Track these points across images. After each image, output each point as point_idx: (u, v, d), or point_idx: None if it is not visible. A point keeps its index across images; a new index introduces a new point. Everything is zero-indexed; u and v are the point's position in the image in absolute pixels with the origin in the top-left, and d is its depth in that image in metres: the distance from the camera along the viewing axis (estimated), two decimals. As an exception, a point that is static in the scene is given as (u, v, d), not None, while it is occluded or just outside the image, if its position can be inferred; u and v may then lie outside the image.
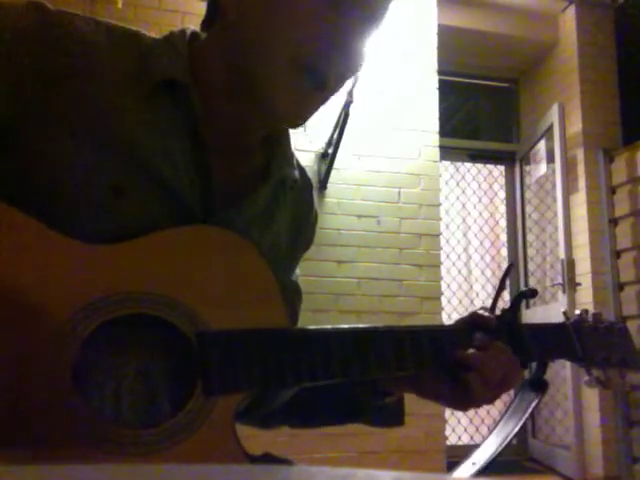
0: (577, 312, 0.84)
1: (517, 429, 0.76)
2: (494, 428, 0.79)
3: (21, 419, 0.54)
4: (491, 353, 0.72)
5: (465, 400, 0.73)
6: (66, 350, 0.56)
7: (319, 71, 0.67)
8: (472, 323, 0.76)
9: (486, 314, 0.76)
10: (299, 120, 0.71)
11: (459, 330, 0.76)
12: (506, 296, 3.63)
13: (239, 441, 0.61)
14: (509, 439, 0.75)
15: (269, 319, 0.65)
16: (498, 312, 0.78)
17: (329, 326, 0.69)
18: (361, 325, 0.71)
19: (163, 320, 0.60)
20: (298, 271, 0.87)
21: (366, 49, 0.70)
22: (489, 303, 0.79)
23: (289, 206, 0.81)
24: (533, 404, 0.78)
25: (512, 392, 0.86)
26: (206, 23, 0.74)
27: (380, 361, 0.69)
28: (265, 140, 0.78)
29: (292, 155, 0.82)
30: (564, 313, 0.84)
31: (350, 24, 0.66)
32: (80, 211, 0.62)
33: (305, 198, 0.86)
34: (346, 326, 0.70)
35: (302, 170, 0.86)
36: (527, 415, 0.77)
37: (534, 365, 0.83)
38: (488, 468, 0.74)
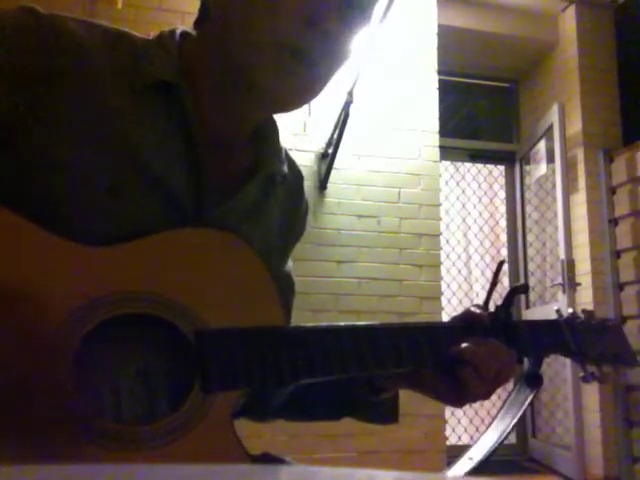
0: (570, 310, 0.85)
1: (513, 424, 0.76)
2: (491, 423, 0.79)
3: (20, 419, 0.55)
4: (485, 348, 0.72)
5: (461, 396, 0.74)
6: (64, 350, 0.56)
7: (303, 51, 0.66)
8: (466, 321, 0.77)
9: (478, 311, 0.77)
10: (291, 102, 0.71)
11: (454, 327, 0.76)
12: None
13: (238, 438, 0.62)
14: (506, 434, 0.76)
15: (266, 318, 0.66)
16: (492, 309, 0.79)
17: (326, 323, 0.69)
18: (358, 323, 0.71)
19: (161, 319, 0.61)
20: (291, 263, 0.88)
21: (356, 26, 0.70)
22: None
23: (279, 200, 0.81)
24: (529, 399, 0.78)
25: (510, 388, 0.86)
26: (197, 22, 0.75)
27: (377, 358, 0.69)
28: (254, 136, 0.78)
29: (281, 149, 0.83)
30: (557, 310, 0.84)
31: (328, 2, 0.66)
32: (76, 212, 0.62)
33: (295, 190, 0.87)
34: (343, 324, 0.70)
35: (292, 163, 0.86)
36: (523, 410, 0.77)
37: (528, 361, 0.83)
38: (485, 463, 0.74)
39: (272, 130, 0.81)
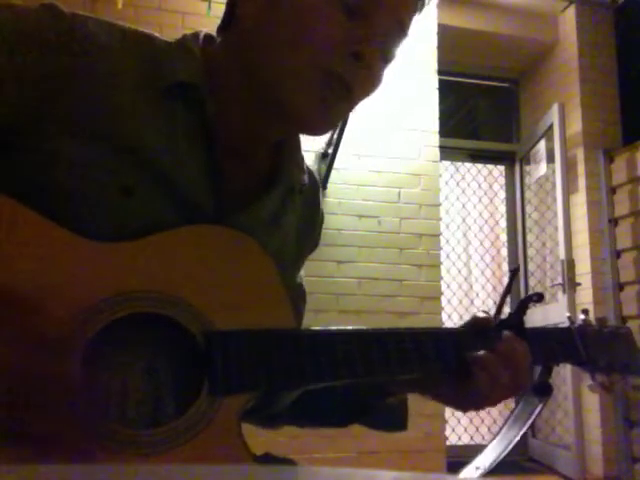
0: (581, 317, 0.84)
1: (521, 434, 0.76)
2: (498, 432, 0.79)
3: (22, 419, 0.54)
4: (499, 355, 0.72)
5: (470, 401, 0.73)
6: (72, 349, 0.56)
7: (342, 79, 0.66)
8: (473, 326, 0.76)
9: (484, 315, 0.76)
10: (322, 129, 0.71)
11: (461, 332, 0.76)
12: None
13: (245, 443, 0.61)
14: (513, 444, 0.75)
15: (276, 320, 0.65)
16: (504, 316, 0.78)
17: (335, 327, 0.69)
18: (367, 327, 0.71)
19: (170, 319, 0.60)
20: (303, 272, 0.87)
21: (392, 59, 0.71)
22: (489, 303, 0.79)
23: (297, 209, 0.81)
24: (537, 409, 0.77)
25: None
26: (222, 27, 0.73)
27: (385, 363, 0.69)
28: (275, 143, 0.78)
29: (302, 159, 0.82)
30: (569, 317, 0.84)
31: (370, 32, 0.66)
32: (88, 211, 0.62)
33: (312, 200, 0.87)
34: (352, 327, 0.70)
35: (310, 172, 0.86)
36: (532, 420, 0.77)
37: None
38: (492, 472, 0.74)
39: (293, 138, 0.81)
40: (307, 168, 0.84)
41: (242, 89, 0.70)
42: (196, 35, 0.73)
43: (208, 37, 0.74)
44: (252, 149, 0.75)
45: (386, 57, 0.70)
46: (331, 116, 0.70)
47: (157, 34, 0.72)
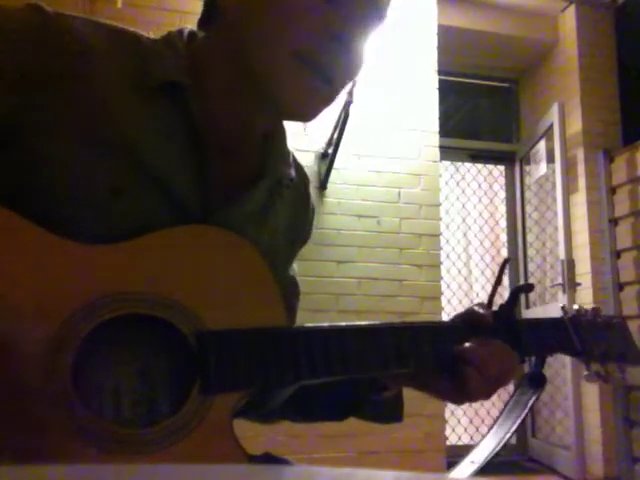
0: (575, 307, 0.84)
1: (516, 425, 0.76)
2: (493, 425, 0.79)
3: (19, 419, 0.54)
4: (488, 349, 0.72)
5: (461, 394, 0.73)
6: (64, 351, 0.56)
7: (322, 65, 0.67)
8: (469, 320, 0.76)
9: (482, 311, 0.76)
10: (306, 115, 0.71)
11: (456, 326, 0.76)
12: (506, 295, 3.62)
13: (237, 441, 0.61)
14: (508, 436, 0.75)
15: (268, 319, 0.65)
16: (495, 307, 0.78)
17: (327, 324, 0.69)
18: (360, 322, 0.71)
19: (162, 320, 0.60)
20: (296, 266, 0.87)
21: (369, 43, 0.71)
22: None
23: (286, 204, 0.81)
24: (532, 400, 0.77)
25: (511, 389, 0.86)
26: (203, 22, 0.74)
27: (380, 358, 0.69)
28: (262, 139, 0.78)
29: (288, 153, 0.83)
30: (562, 308, 0.83)
31: (349, 16, 0.67)
32: (78, 211, 0.62)
33: (302, 195, 0.87)
34: (344, 324, 0.70)
35: (299, 167, 0.86)
36: (526, 411, 0.76)
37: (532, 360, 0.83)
38: (487, 466, 0.74)
39: (280, 133, 0.81)
40: (295, 163, 0.85)
41: (229, 83, 0.71)
42: (181, 32, 0.74)
43: (192, 33, 0.74)
44: (240, 144, 0.75)
45: (364, 40, 0.71)
46: (317, 102, 0.71)
47: (152, 33, 0.73)
